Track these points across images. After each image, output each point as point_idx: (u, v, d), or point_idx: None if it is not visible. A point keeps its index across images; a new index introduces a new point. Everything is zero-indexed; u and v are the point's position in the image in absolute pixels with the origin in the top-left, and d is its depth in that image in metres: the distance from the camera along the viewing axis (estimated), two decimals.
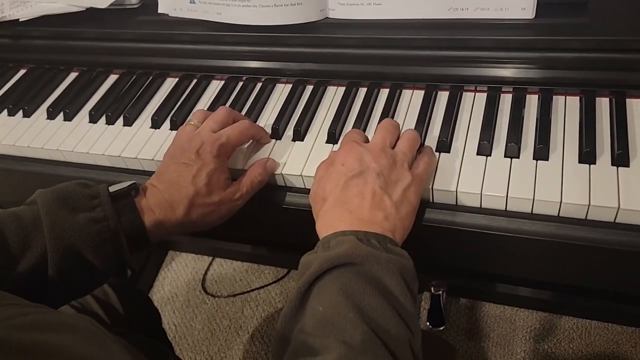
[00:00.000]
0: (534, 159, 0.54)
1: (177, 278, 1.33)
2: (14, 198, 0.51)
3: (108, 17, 0.76)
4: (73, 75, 0.80)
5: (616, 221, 0.49)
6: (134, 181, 0.54)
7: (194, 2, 0.70)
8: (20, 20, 0.78)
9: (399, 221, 0.48)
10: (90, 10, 0.76)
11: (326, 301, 0.41)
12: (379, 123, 0.56)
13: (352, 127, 0.61)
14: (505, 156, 0.55)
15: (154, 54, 0.75)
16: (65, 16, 0.77)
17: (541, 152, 0.54)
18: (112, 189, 0.52)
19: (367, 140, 0.55)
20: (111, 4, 0.75)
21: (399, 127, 0.56)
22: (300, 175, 0.59)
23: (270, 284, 1.27)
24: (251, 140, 0.62)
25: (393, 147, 0.53)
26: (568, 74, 0.58)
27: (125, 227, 0.51)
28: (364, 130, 0.62)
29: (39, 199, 0.50)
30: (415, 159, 0.53)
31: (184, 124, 0.60)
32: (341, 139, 0.60)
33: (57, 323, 0.33)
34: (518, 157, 0.55)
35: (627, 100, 0.57)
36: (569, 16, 0.58)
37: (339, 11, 0.66)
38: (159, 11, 0.73)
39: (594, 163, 0.52)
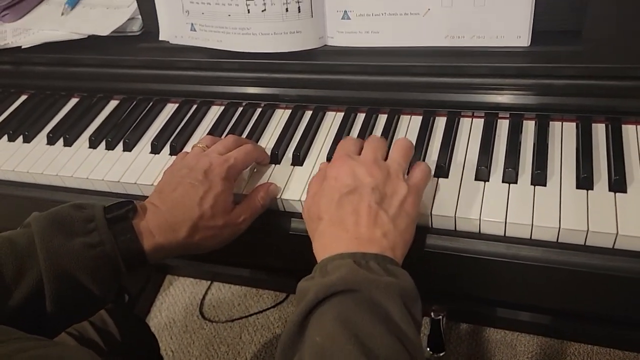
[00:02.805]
0: (531, 184, 0.54)
1: (175, 303, 1.32)
2: (12, 224, 0.51)
3: (109, 44, 0.77)
4: (74, 101, 0.81)
5: (615, 247, 0.49)
6: (131, 201, 0.53)
7: (195, 30, 0.71)
8: (23, 47, 0.79)
9: (398, 236, 0.47)
10: (92, 38, 0.77)
11: (324, 331, 0.40)
12: None
13: None
14: (503, 181, 0.55)
15: (155, 80, 0.76)
16: (67, 43, 0.78)
17: (539, 178, 0.54)
18: (108, 211, 0.51)
19: (360, 150, 0.54)
20: (113, 32, 0.76)
21: (386, 141, 0.56)
22: (299, 200, 0.59)
23: (268, 308, 1.26)
24: (251, 165, 0.63)
25: (385, 159, 0.53)
26: (564, 100, 0.59)
27: (123, 251, 0.50)
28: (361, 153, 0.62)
29: (34, 224, 0.49)
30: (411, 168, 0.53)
31: (192, 146, 0.60)
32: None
33: (59, 358, 0.33)
34: (516, 183, 0.55)
35: (623, 126, 0.58)
36: (564, 44, 0.59)
37: (337, 39, 0.67)
38: (160, 38, 0.74)
39: (592, 189, 0.53)
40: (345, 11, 0.65)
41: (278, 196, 0.60)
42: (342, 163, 0.51)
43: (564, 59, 0.58)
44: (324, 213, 0.49)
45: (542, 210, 0.52)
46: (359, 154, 0.54)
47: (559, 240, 0.51)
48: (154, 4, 0.72)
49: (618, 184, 0.52)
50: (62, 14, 0.81)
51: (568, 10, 0.58)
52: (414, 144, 0.61)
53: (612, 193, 0.52)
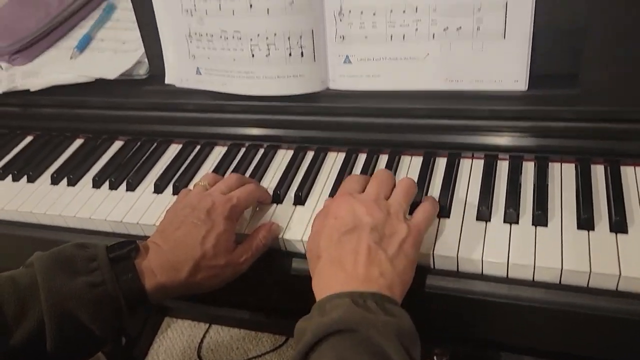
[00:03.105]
0: (533, 225, 0.54)
1: (173, 346, 1.30)
2: (15, 264, 0.51)
3: (116, 87, 0.78)
4: (79, 142, 0.82)
5: (618, 289, 0.49)
6: (134, 240, 0.53)
7: (200, 74, 0.72)
8: (31, 90, 0.81)
9: (396, 277, 0.47)
10: (99, 81, 0.79)
11: None
12: None
13: None
14: (504, 222, 0.56)
15: (159, 122, 0.77)
16: (74, 86, 0.80)
17: (540, 219, 0.54)
18: (111, 250, 0.52)
19: (364, 188, 0.55)
20: (120, 75, 0.77)
21: (394, 177, 0.56)
22: (301, 240, 0.59)
23: (267, 352, 1.24)
24: (253, 204, 0.63)
25: (388, 198, 0.53)
26: (562, 142, 0.60)
27: (125, 290, 0.50)
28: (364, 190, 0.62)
29: (37, 263, 0.49)
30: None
31: (194, 185, 0.60)
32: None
33: None
34: (517, 223, 0.55)
35: (622, 167, 0.58)
36: (561, 87, 0.60)
37: (339, 82, 0.68)
38: (166, 82, 0.76)
39: (593, 229, 0.53)
40: (347, 56, 0.67)
41: (280, 236, 0.60)
42: (342, 202, 0.52)
43: (561, 102, 0.59)
44: (323, 252, 0.49)
45: (544, 251, 0.52)
46: (363, 190, 0.54)
47: (562, 282, 0.51)
48: (161, 48, 0.74)
49: (619, 224, 0.52)
50: (71, 57, 0.83)
51: (564, 55, 0.60)
52: (416, 183, 0.62)
53: (614, 234, 0.52)
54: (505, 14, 0.59)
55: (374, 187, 0.53)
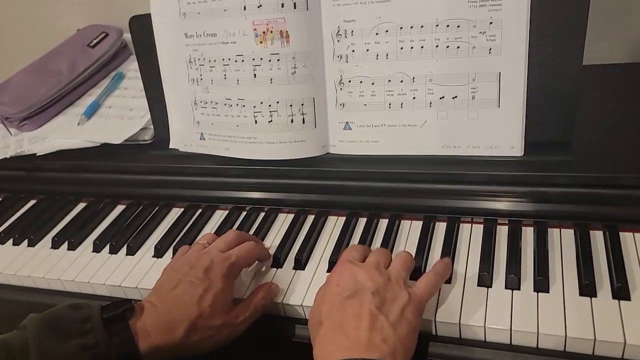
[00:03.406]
0: (534, 291, 0.54)
1: None
2: (10, 329, 0.50)
3: (121, 152, 0.80)
4: (81, 206, 0.83)
5: (624, 357, 0.48)
6: (129, 300, 0.53)
7: (204, 139, 0.74)
8: (38, 154, 0.83)
9: (398, 343, 0.46)
10: (104, 145, 0.81)
11: None
12: None
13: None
14: (506, 288, 0.55)
15: (162, 186, 0.78)
16: (80, 150, 0.82)
17: (541, 284, 0.54)
18: (105, 310, 0.51)
19: (364, 257, 0.55)
20: (125, 140, 0.79)
21: (390, 253, 0.57)
22: (301, 305, 0.58)
23: None
24: (252, 268, 0.63)
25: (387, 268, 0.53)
26: (559, 207, 0.60)
27: (118, 352, 0.49)
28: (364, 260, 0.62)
29: (29, 325, 0.49)
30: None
31: (194, 243, 0.61)
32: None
33: None
34: (519, 289, 0.55)
35: (620, 233, 0.59)
36: (555, 154, 0.61)
37: (339, 147, 0.70)
38: (170, 147, 0.77)
39: (595, 296, 0.52)
40: (347, 122, 0.69)
41: (279, 301, 0.59)
42: (344, 269, 0.52)
43: (555, 168, 0.60)
44: (325, 318, 0.49)
45: (547, 317, 0.51)
46: (363, 261, 0.55)
47: (567, 349, 0.50)
48: (167, 115, 0.76)
49: (621, 291, 0.52)
50: (79, 124, 0.85)
51: (557, 123, 0.62)
52: (415, 249, 0.62)
53: (616, 301, 0.51)
54: (499, 84, 0.61)
55: (374, 256, 0.54)
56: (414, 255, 0.61)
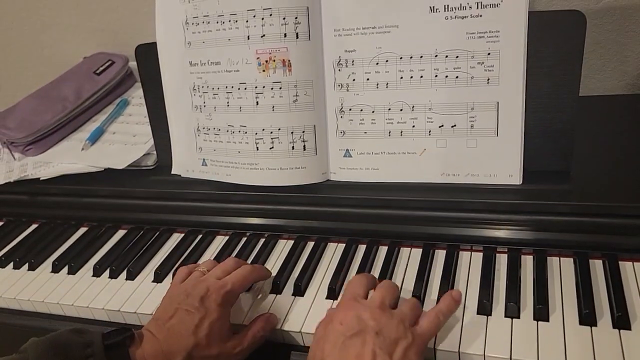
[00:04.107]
0: (534, 319, 0.54)
1: None
2: (8, 353, 0.50)
3: (123, 177, 0.81)
4: (82, 230, 0.83)
5: None
6: (130, 328, 0.53)
7: (206, 165, 0.75)
8: (41, 178, 0.84)
9: None
10: (107, 170, 0.82)
11: None
12: (377, 279, 0.57)
13: None
14: (505, 316, 0.55)
15: (163, 211, 0.79)
16: (83, 175, 0.83)
17: (541, 313, 0.54)
18: (107, 337, 0.52)
19: (368, 291, 0.55)
20: (128, 165, 0.80)
21: (398, 287, 0.56)
22: (300, 331, 0.58)
23: None
24: (251, 293, 0.63)
25: (393, 307, 0.53)
26: (558, 236, 0.61)
27: None
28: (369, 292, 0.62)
29: (30, 349, 0.49)
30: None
31: (194, 269, 0.61)
32: (341, 294, 0.61)
33: None
34: (519, 317, 0.54)
35: (620, 262, 0.59)
36: (554, 183, 0.62)
37: (339, 174, 0.71)
38: (173, 172, 0.78)
39: (595, 325, 0.52)
40: (347, 150, 0.69)
41: (278, 327, 0.59)
42: (348, 307, 0.52)
43: (554, 197, 0.61)
44: (327, 356, 0.48)
45: (547, 346, 0.51)
46: (367, 294, 0.55)
47: None
48: (170, 141, 0.77)
49: (621, 321, 0.52)
50: (83, 149, 0.86)
51: (555, 152, 0.63)
52: (415, 276, 0.62)
53: (617, 330, 0.51)
54: (497, 113, 0.62)
55: (379, 294, 0.53)
56: (413, 283, 0.61)
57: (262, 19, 0.66)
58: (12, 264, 0.78)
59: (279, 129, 0.69)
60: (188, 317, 0.54)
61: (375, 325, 0.49)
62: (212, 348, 0.53)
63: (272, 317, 0.59)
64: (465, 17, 0.61)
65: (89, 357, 0.49)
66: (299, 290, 0.63)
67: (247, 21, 0.66)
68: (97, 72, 0.98)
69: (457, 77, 0.62)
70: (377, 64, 0.65)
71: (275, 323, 0.59)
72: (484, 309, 0.56)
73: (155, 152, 0.81)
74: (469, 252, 0.64)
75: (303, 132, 0.69)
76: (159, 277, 0.70)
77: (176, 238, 0.77)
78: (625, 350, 0.49)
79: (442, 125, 0.64)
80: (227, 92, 0.70)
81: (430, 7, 0.62)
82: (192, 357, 0.52)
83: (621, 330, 0.51)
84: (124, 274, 0.72)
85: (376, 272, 0.64)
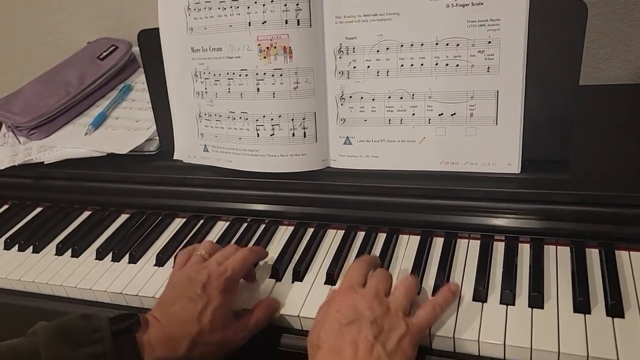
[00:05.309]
0: (529, 306, 0.54)
1: None
2: (13, 334, 0.51)
3: (126, 162, 0.82)
4: (86, 214, 0.84)
5: None
6: (136, 313, 0.54)
7: (207, 151, 0.76)
8: (45, 162, 0.85)
9: None
10: (110, 155, 0.83)
11: None
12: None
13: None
14: (500, 303, 0.56)
15: (165, 196, 0.79)
16: (86, 159, 0.84)
17: (536, 300, 0.54)
18: (114, 322, 0.53)
19: (366, 279, 0.56)
20: (131, 150, 0.81)
21: (391, 276, 0.57)
22: (298, 316, 0.59)
23: None
24: (252, 281, 0.64)
25: (388, 295, 0.54)
26: (555, 224, 0.61)
27: None
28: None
29: (40, 333, 0.50)
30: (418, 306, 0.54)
31: (193, 253, 0.61)
32: (340, 279, 0.62)
33: None
34: (514, 305, 0.55)
35: (616, 251, 0.59)
36: (552, 172, 0.62)
37: (339, 162, 0.71)
38: (175, 158, 0.79)
39: (589, 313, 0.53)
40: (347, 137, 0.70)
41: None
42: (345, 296, 0.53)
43: (552, 186, 0.61)
44: (323, 342, 0.50)
45: (541, 333, 0.51)
46: (365, 282, 0.56)
47: None
48: (172, 127, 0.78)
49: (615, 309, 0.52)
50: (86, 134, 0.87)
51: (554, 141, 0.63)
52: (412, 263, 0.62)
53: (610, 318, 0.52)
54: (497, 102, 0.62)
55: (374, 283, 0.54)
56: (410, 270, 0.62)
57: (264, 5, 0.66)
58: (17, 246, 0.79)
59: (280, 116, 0.69)
60: (191, 305, 0.55)
61: (370, 315, 0.50)
62: (215, 334, 0.54)
63: (273, 302, 0.60)
64: (466, 5, 0.60)
65: (97, 341, 0.50)
66: (298, 276, 0.64)
67: (248, 7, 0.66)
68: (101, 57, 0.99)
69: (457, 65, 0.62)
70: (378, 51, 0.65)
71: (276, 308, 0.60)
72: (480, 295, 0.56)
73: (157, 138, 0.82)
74: (467, 240, 0.65)
75: (303, 119, 0.69)
76: (160, 261, 0.71)
77: (178, 223, 0.78)
78: (618, 338, 0.49)
79: (442, 114, 0.65)
80: (229, 79, 0.70)
81: None
82: (197, 343, 0.53)
83: (615, 318, 0.52)
84: (126, 258, 0.73)
85: None
